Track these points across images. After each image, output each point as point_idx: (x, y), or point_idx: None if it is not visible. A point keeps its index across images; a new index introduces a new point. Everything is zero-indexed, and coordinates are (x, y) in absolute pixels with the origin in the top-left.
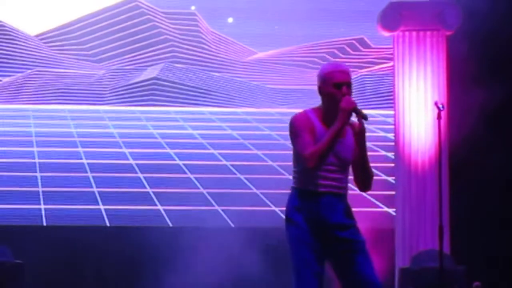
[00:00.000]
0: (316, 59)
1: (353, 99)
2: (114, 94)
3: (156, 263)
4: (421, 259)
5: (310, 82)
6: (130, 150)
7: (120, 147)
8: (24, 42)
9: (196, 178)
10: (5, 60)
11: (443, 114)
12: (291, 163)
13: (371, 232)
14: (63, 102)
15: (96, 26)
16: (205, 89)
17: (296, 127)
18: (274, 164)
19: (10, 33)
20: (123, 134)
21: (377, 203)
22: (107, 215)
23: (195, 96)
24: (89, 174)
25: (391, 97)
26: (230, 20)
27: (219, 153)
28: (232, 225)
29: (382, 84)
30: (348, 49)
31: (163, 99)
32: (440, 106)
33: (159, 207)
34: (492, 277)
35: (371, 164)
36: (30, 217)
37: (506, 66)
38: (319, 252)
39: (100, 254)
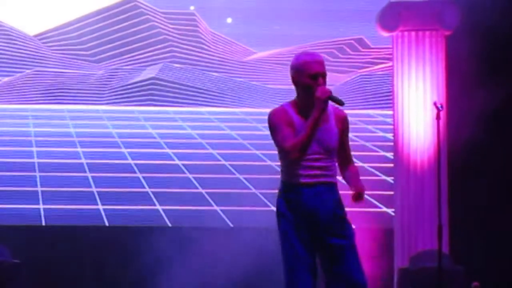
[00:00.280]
0: None
1: (328, 87)
2: (113, 94)
3: (155, 263)
4: (420, 259)
5: None
6: (129, 150)
7: (119, 147)
8: (23, 42)
9: (194, 178)
10: (4, 60)
11: (442, 114)
12: None
13: (370, 232)
14: (62, 102)
15: (95, 26)
16: (204, 89)
17: (274, 122)
18: (273, 164)
19: (9, 33)
20: (122, 134)
21: (376, 203)
22: (106, 215)
23: (194, 96)
24: (88, 174)
25: (390, 97)
26: (229, 20)
27: (218, 153)
28: (231, 225)
29: (381, 84)
30: (347, 49)
31: (162, 99)
32: (439, 106)
33: (158, 207)
34: (491, 277)
35: (370, 164)
36: (29, 216)
37: (506, 65)
38: (309, 245)
39: (99, 254)
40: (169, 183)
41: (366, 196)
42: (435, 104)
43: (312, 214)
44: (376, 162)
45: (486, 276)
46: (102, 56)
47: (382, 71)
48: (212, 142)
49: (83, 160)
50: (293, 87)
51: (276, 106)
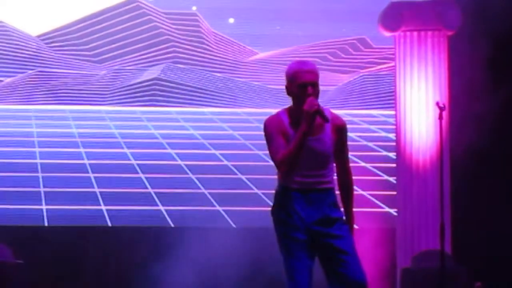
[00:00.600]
0: (317, 59)
1: (316, 101)
2: (115, 94)
3: (158, 264)
4: (422, 259)
5: None
6: (132, 151)
7: (122, 148)
8: (25, 43)
9: (197, 178)
10: (6, 61)
11: (444, 114)
12: None
13: (373, 232)
14: (64, 103)
15: (98, 26)
16: (206, 90)
17: (268, 131)
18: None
19: (12, 34)
20: (125, 134)
21: (379, 203)
22: (108, 215)
23: (196, 96)
24: (91, 175)
25: (393, 97)
26: (231, 20)
27: (220, 154)
28: (234, 226)
29: (383, 84)
30: (350, 49)
31: (164, 99)
32: (441, 106)
33: (161, 207)
34: (493, 277)
35: (373, 164)
36: (31, 217)
37: (509, 66)
38: (308, 246)
39: (101, 255)
40: (172, 183)
41: (368, 196)
42: (437, 104)
43: (307, 220)
44: (378, 162)
45: (489, 276)
46: (105, 56)
47: (384, 71)
48: (215, 143)
49: (86, 161)
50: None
51: (277, 108)
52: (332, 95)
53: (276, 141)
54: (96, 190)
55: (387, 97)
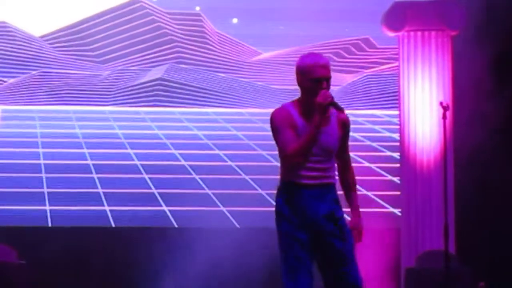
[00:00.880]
0: None
1: (330, 92)
2: (119, 95)
3: (161, 264)
4: (426, 259)
5: None
6: (135, 151)
7: (125, 148)
8: (28, 43)
9: (201, 178)
10: (10, 61)
11: (448, 114)
12: None
13: (377, 232)
14: (68, 103)
15: (101, 27)
16: (210, 90)
17: (277, 123)
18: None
19: (15, 34)
20: (128, 135)
21: (383, 203)
22: (112, 216)
23: (200, 96)
24: (94, 175)
25: (396, 97)
26: (235, 20)
27: (224, 154)
28: (238, 226)
29: (387, 84)
30: (353, 49)
31: (168, 99)
32: (445, 105)
33: (164, 207)
34: (497, 277)
35: (377, 165)
36: (35, 218)
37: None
38: (309, 247)
39: (105, 255)
40: (175, 184)
41: (372, 196)
42: (441, 103)
43: (312, 215)
44: (382, 162)
45: (493, 276)
46: (108, 57)
47: (388, 71)
48: (218, 143)
49: (89, 161)
50: (298, 87)
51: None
52: (336, 95)
53: (286, 133)
54: (100, 190)
55: (391, 97)
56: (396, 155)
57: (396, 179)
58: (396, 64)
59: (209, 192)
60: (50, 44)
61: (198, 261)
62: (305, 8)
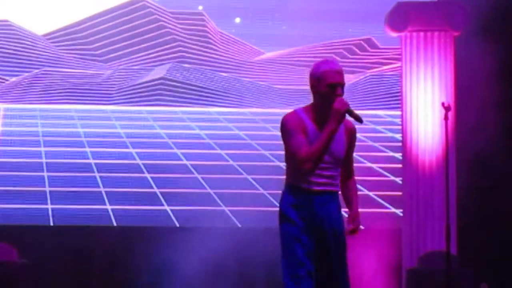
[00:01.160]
0: None
1: (346, 100)
2: (121, 94)
3: (163, 263)
4: (428, 259)
5: None
6: (137, 150)
7: (127, 147)
8: (31, 42)
9: (203, 178)
10: (12, 60)
11: (450, 114)
12: None
13: (378, 233)
14: (70, 102)
15: (103, 25)
16: (212, 89)
17: (289, 128)
18: (281, 164)
19: (18, 33)
20: (130, 134)
21: (384, 203)
22: (114, 215)
23: (202, 96)
24: (96, 174)
25: (399, 98)
26: (238, 20)
27: (226, 153)
28: (239, 225)
29: (389, 85)
30: (356, 50)
31: (170, 99)
32: (447, 106)
33: (166, 207)
34: (499, 278)
35: (379, 165)
36: (37, 216)
37: None
38: (312, 251)
39: (106, 254)
40: (177, 183)
41: (374, 197)
42: (443, 104)
43: (318, 221)
44: (384, 163)
45: (494, 277)
46: (111, 56)
47: (390, 71)
48: (220, 142)
49: (91, 160)
50: (301, 87)
51: (284, 107)
52: None
53: (298, 138)
54: (102, 189)
55: (393, 97)
56: (398, 155)
57: (398, 180)
58: (399, 64)
59: (211, 191)
60: (52, 43)
61: (199, 260)
62: (308, 8)
